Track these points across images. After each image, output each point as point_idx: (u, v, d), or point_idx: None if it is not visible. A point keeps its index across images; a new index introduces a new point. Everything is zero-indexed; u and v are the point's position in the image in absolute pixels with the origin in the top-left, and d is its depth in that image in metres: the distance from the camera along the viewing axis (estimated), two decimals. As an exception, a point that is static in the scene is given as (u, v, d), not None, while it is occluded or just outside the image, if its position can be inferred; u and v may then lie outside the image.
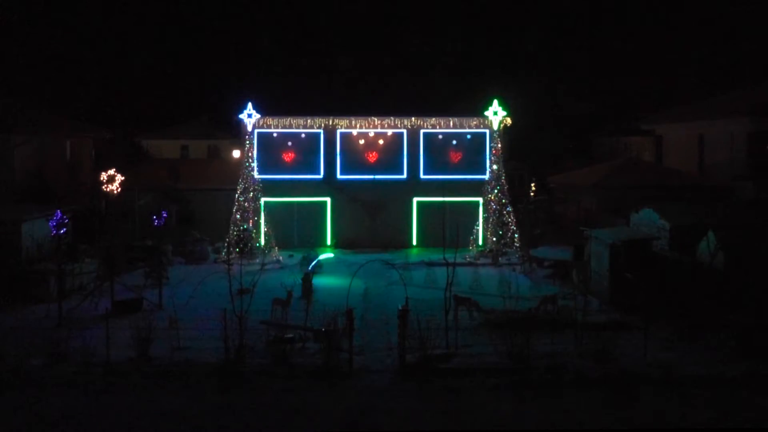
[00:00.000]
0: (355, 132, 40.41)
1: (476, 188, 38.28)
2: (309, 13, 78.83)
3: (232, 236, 35.63)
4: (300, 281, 27.47)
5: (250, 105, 37.76)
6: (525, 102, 48.74)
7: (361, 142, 40.55)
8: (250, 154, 37.26)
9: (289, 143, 40.41)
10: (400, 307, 20.45)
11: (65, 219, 30.98)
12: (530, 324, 20.73)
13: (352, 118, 40.22)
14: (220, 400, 17.76)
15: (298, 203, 40.13)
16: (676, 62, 71.33)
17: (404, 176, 40.29)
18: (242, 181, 36.70)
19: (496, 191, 36.62)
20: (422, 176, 40.19)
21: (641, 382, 18.67)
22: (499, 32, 75.57)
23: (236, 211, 36.13)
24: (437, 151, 40.41)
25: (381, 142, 40.50)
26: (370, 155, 40.38)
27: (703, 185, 38.28)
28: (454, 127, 40.20)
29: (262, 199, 37.55)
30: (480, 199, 38.01)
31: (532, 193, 49.89)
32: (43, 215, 31.38)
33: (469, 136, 40.39)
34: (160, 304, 26.15)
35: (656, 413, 17.03)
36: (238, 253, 34.61)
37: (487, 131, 38.98)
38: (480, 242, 37.23)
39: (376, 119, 40.21)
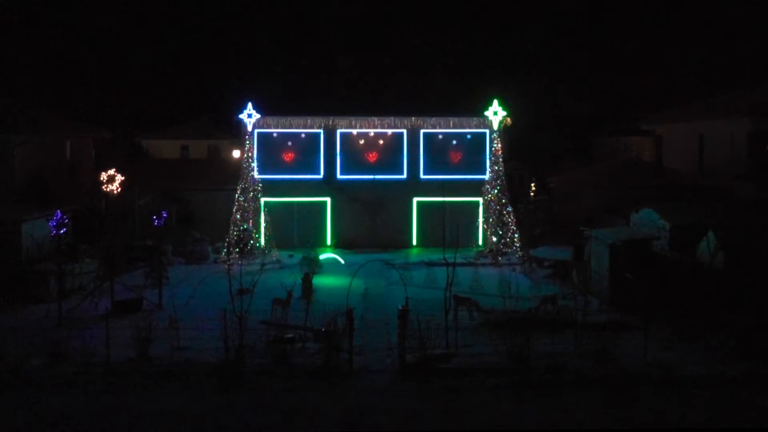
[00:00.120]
0: (355, 132, 40.41)
1: (476, 188, 38.27)
2: (309, 13, 78.88)
3: (232, 236, 35.63)
4: (300, 281, 27.48)
5: (250, 105, 37.76)
6: (525, 102, 48.72)
7: (361, 142, 40.55)
8: (250, 154, 37.26)
9: (289, 143, 40.42)
10: (400, 307, 20.45)
11: (65, 219, 31.02)
12: (530, 324, 20.73)
13: (352, 118, 40.21)
14: (220, 400, 17.76)
15: (298, 203, 40.13)
16: (676, 62, 71.38)
17: (404, 176, 40.29)
18: (242, 181, 36.70)
19: (496, 191, 36.61)
20: (422, 176, 40.19)
21: (641, 382, 18.67)
22: (499, 32, 75.60)
23: (236, 211, 36.13)
24: (437, 151, 40.42)
25: (381, 142, 40.50)
26: (370, 155, 40.38)
27: (703, 185, 38.27)
28: (454, 127, 40.21)
29: (262, 199, 37.55)
30: (480, 199, 38.00)
31: (532, 193, 49.93)
32: (43, 215, 31.38)
33: (469, 136, 40.39)
34: (160, 304, 26.15)
35: (656, 413, 17.03)
36: (238, 253, 34.61)
37: (487, 131, 38.97)
38: (480, 242, 37.21)
39: (376, 119, 40.20)
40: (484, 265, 34.61)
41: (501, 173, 36.79)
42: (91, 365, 19.48)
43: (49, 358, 19.90)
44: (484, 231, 36.45)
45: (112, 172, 38.19)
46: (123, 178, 38.19)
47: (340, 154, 40.24)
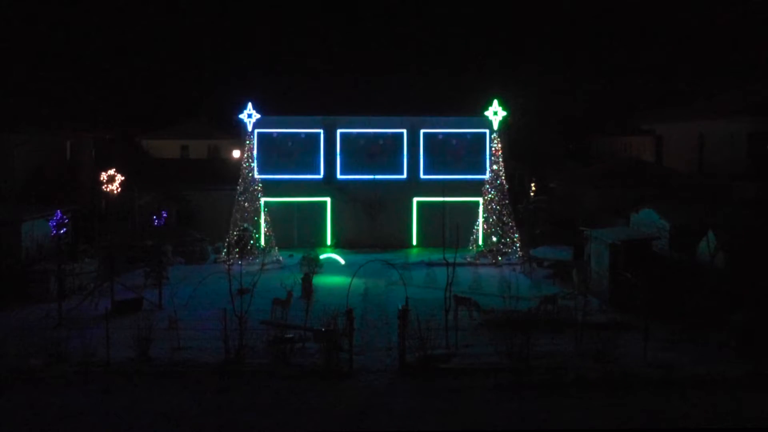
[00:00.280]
0: (355, 132, 40.43)
1: (476, 188, 38.27)
2: (309, 13, 78.91)
3: (232, 236, 35.62)
4: (300, 281, 27.48)
5: (250, 105, 37.75)
6: (525, 102, 48.72)
7: (361, 142, 40.56)
8: (250, 154, 37.28)
9: (289, 143, 40.46)
10: (400, 307, 20.44)
11: (65, 219, 31.05)
12: (530, 324, 20.70)
13: (352, 118, 40.24)
14: (220, 400, 17.75)
15: (298, 203, 40.15)
16: (676, 62, 71.39)
17: (404, 176, 40.31)
18: (242, 181, 36.72)
19: (496, 191, 36.62)
20: (422, 176, 40.22)
21: (641, 382, 18.66)
22: (499, 32, 75.65)
23: (236, 211, 36.13)
24: (437, 151, 40.44)
25: (381, 142, 40.51)
26: (370, 155, 40.40)
27: (703, 185, 38.27)
28: (454, 127, 40.24)
29: (262, 199, 37.56)
30: (480, 199, 38.02)
31: (532, 193, 49.94)
32: (43, 215, 31.38)
33: (469, 136, 40.41)
34: (160, 304, 26.15)
35: (656, 413, 17.02)
36: (238, 253, 34.60)
37: (487, 131, 38.98)
38: (480, 242, 37.24)
39: (375, 119, 40.23)
40: (484, 265, 34.62)
41: (501, 173, 36.82)
42: (91, 365, 19.47)
43: (49, 358, 19.88)
44: (484, 231, 36.47)
45: (112, 172, 38.22)
46: (123, 178, 38.20)
47: (340, 154, 40.25)
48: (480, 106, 38.11)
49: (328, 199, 40.21)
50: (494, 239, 36.10)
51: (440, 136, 40.46)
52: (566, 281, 29.42)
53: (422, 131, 40.19)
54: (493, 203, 36.55)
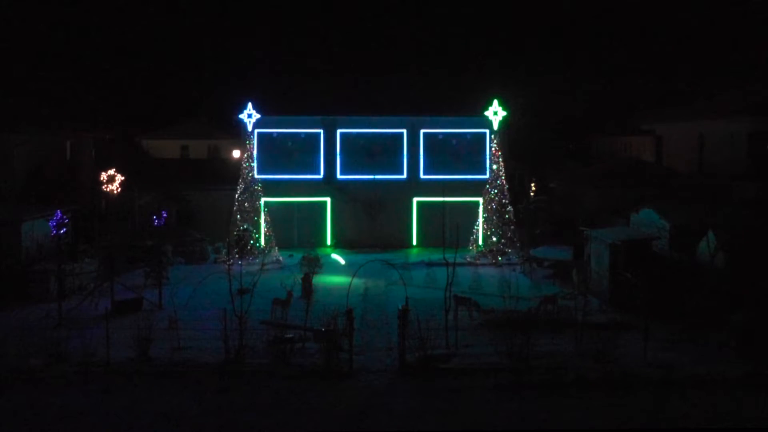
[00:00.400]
0: (355, 132, 40.43)
1: (476, 188, 38.26)
2: (309, 13, 78.91)
3: (232, 236, 35.62)
4: (300, 281, 27.47)
5: (250, 105, 37.75)
6: (525, 102, 48.73)
7: (361, 142, 40.55)
8: (250, 154, 37.27)
9: (289, 143, 40.47)
10: (400, 307, 20.44)
11: (65, 219, 31.04)
12: (530, 324, 20.71)
13: (352, 118, 40.23)
14: (220, 400, 17.75)
15: (298, 203, 40.15)
16: (676, 62, 71.39)
17: (404, 176, 40.31)
18: (242, 181, 36.72)
19: (496, 191, 36.62)
20: (422, 176, 40.21)
21: (641, 382, 18.66)
22: (499, 32, 75.65)
23: (236, 211, 36.12)
24: (437, 151, 40.43)
25: (381, 142, 40.50)
26: (370, 155, 40.39)
27: (703, 185, 38.27)
28: (454, 127, 40.23)
29: (262, 199, 37.57)
30: (480, 199, 38.03)
31: (532, 193, 49.94)
32: (43, 215, 31.38)
33: (469, 136, 40.41)
34: (160, 304, 26.15)
35: (656, 413, 17.02)
36: (238, 253, 34.60)
37: (487, 131, 38.97)
38: (480, 242, 37.25)
39: (376, 119, 40.23)
40: (484, 265, 34.62)
41: (501, 173, 36.82)
42: (91, 365, 19.47)
43: (49, 358, 19.88)
44: (484, 231, 36.47)
45: (112, 172, 38.21)
46: (123, 178, 38.20)
47: (340, 154, 40.25)
48: (480, 106, 38.11)
49: (328, 199, 40.21)
50: (494, 239, 36.10)
51: (440, 136, 40.46)
52: (566, 281, 29.41)
53: (422, 131, 40.19)
54: (493, 203, 36.55)
